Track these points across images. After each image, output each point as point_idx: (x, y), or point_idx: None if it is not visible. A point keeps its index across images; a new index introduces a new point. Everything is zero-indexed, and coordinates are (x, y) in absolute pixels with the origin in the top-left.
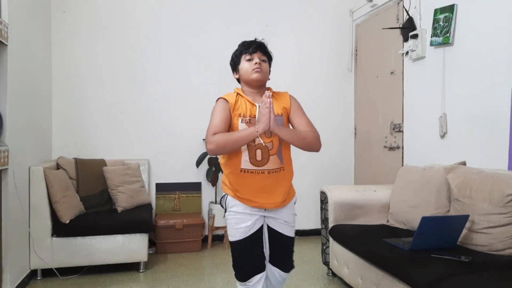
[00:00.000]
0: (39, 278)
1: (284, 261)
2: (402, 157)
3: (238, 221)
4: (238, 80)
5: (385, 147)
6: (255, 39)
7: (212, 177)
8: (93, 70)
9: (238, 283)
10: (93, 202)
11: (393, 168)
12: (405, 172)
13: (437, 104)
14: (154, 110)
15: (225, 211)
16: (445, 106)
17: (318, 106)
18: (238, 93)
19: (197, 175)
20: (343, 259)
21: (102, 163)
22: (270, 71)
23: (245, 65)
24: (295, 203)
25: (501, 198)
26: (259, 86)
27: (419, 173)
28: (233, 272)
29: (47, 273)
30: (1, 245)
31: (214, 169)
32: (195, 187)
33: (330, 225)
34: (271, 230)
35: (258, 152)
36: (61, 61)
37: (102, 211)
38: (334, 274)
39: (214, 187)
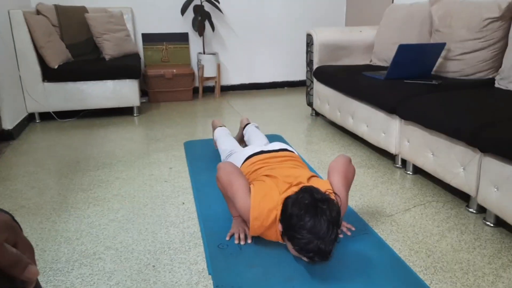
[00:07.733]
0: (37, 121)
1: None
2: None
3: None
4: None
5: None
6: (325, 252)
7: (199, 26)
8: None
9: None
10: (80, 50)
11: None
12: (392, 10)
13: None
14: None
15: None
16: None
17: None
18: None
19: (183, 24)
20: (325, 97)
21: (83, 10)
22: None
23: (292, 251)
24: None
25: (479, 23)
26: None
27: (405, 10)
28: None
29: (45, 117)
30: None
31: (200, 17)
32: (182, 37)
33: (315, 66)
34: None
35: None
36: None
37: (90, 59)
38: (317, 114)
39: (202, 37)
